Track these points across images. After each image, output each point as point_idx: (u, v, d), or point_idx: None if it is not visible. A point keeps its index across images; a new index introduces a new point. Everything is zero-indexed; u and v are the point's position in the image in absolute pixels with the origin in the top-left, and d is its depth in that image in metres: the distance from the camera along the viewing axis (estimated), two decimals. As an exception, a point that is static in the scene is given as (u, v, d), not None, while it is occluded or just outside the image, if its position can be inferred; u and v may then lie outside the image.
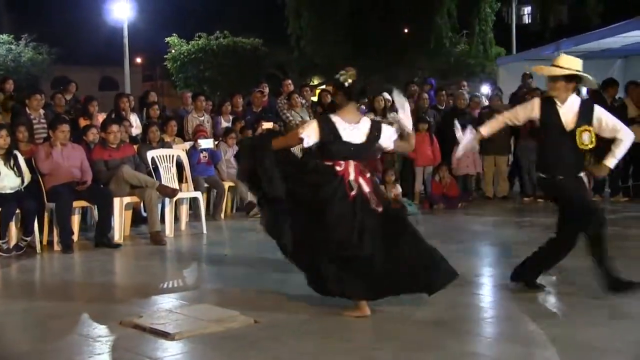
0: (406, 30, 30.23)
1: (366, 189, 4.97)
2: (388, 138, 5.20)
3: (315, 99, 13.49)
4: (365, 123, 5.12)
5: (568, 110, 5.55)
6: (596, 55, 14.99)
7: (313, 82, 25.76)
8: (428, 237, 9.05)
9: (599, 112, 5.59)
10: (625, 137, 5.54)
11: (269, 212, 5.27)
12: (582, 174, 5.69)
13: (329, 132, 4.98)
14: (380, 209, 4.98)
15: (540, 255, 5.81)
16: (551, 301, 5.49)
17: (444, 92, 13.43)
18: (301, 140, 5.07)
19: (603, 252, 5.52)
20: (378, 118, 11.66)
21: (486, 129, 5.99)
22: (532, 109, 5.78)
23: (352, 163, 4.98)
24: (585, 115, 5.51)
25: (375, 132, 5.10)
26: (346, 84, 5.06)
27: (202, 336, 4.54)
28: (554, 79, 5.60)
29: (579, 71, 5.55)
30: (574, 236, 5.63)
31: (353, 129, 5.01)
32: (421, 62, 29.75)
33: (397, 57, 29.11)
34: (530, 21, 36.28)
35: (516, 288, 5.75)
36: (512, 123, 6.02)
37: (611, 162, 5.65)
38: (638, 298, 5.34)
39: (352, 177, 4.94)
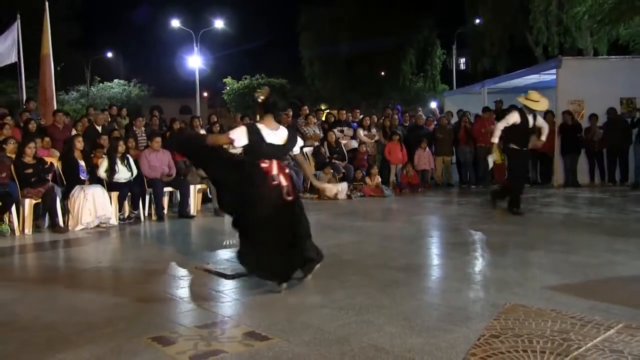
0: (382, 73, 30.25)
1: (284, 182, 4.19)
2: (297, 145, 4.50)
3: (323, 118, 13.41)
4: (284, 131, 4.37)
5: (531, 117, 7.29)
6: (508, 90, 15.01)
7: (321, 108, 25.66)
8: (399, 212, 9.08)
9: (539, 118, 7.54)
10: (546, 129, 7.60)
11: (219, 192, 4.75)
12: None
13: (255, 136, 4.21)
14: (290, 198, 4.19)
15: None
16: (479, 253, 5.49)
17: (407, 114, 13.37)
18: (231, 140, 4.26)
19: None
20: (365, 132, 11.71)
21: (495, 138, 7.57)
22: (513, 117, 7.36)
23: (274, 161, 4.23)
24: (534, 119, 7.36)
25: (292, 137, 4.42)
26: (259, 100, 4.35)
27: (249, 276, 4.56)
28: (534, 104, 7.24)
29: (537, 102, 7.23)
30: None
31: (275, 134, 4.27)
32: (392, 94, 29.75)
33: (377, 91, 29.21)
34: (465, 67, 36.22)
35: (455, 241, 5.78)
36: (504, 125, 7.41)
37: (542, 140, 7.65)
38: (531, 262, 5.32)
39: (274, 171, 4.18)
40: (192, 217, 8.14)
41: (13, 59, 11.72)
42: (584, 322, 3.22)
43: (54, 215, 7.12)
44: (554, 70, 11.34)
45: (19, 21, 11.63)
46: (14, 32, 11.61)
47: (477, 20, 24.95)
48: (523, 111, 7.34)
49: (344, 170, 10.73)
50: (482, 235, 6.31)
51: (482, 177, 11.58)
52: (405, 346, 2.99)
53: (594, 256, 5.01)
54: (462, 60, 37.23)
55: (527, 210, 7.90)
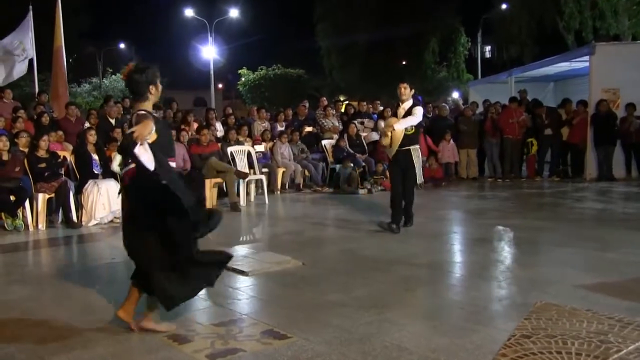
0: (404, 62, 29.98)
1: None
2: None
3: (342, 110, 13.35)
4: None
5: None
6: (536, 79, 14.74)
7: (340, 99, 25.67)
8: (422, 207, 8.98)
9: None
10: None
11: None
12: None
13: (159, 125, 3.30)
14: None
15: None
16: (505, 249, 5.41)
17: (430, 105, 13.26)
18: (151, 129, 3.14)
19: None
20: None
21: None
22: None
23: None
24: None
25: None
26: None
27: (267, 273, 4.56)
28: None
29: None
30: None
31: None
32: (414, 84, 29.45)
33: (397, 81, 28.91)
34: (490, 56, 35.76)
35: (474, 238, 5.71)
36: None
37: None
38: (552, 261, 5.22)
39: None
40: (208, 212, 8.16)
41: (31, 53, 11.83)
42: (623, 324, 3.14)
43: (67, 211, 7.19)
44: (586, 58, 11.09)
45: (31, 14, 11.76)
46: (28, 26, 11.72)
47: (504, 5, 24.57)
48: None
49: (364, 164, 10.68)
50: (509, 231, 6.22)
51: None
52: (430, 346, 2.95)
53: (632, 254, 4.89)
54: (488, 48, 36.71)
55: (554, 204, 7.75)
